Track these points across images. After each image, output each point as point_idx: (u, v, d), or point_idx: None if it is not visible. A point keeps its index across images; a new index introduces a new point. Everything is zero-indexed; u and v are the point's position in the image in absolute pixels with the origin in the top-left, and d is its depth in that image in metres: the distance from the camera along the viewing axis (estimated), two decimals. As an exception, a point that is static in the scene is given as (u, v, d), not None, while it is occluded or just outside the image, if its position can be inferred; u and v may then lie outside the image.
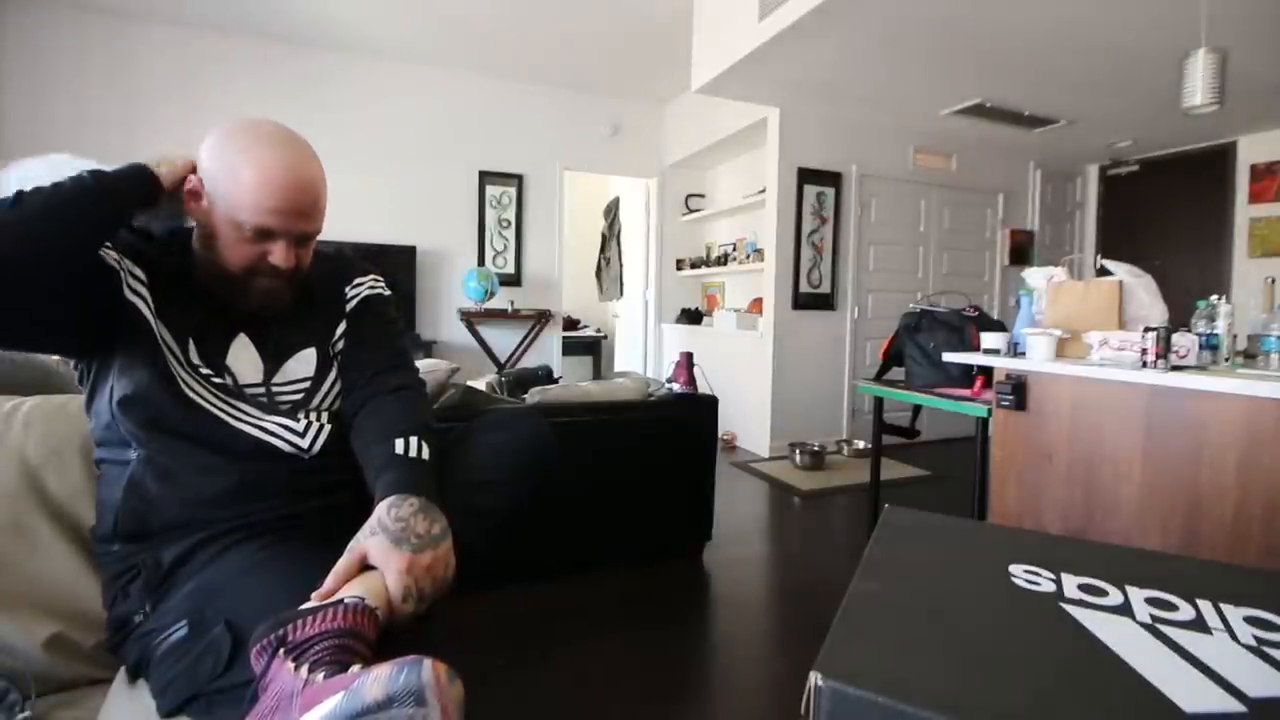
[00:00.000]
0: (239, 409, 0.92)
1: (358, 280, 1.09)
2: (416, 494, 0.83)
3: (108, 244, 0.87)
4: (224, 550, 0.85)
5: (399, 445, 0.89)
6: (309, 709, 0.60)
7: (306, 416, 0.97)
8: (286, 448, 0.93)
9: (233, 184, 0.86)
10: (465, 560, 0.88)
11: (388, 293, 1.13)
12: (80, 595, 0.96)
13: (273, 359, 0.97)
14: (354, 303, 1.07)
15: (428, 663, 0.60)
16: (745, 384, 4.43)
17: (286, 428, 0.94)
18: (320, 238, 1.03)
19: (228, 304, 0.95)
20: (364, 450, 0.94)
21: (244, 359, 0.95)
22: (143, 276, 0.90)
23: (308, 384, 0.99)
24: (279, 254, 0.89)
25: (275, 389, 0.96)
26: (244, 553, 0.84)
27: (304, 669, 0.65)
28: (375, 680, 0.59)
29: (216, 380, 0.92)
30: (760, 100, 4.08)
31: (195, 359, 0.91)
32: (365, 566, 0.79)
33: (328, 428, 0.98)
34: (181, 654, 0.77)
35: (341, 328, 1.05)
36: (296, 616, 0.69)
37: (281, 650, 0.68)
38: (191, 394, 0.89)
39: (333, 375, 1.01)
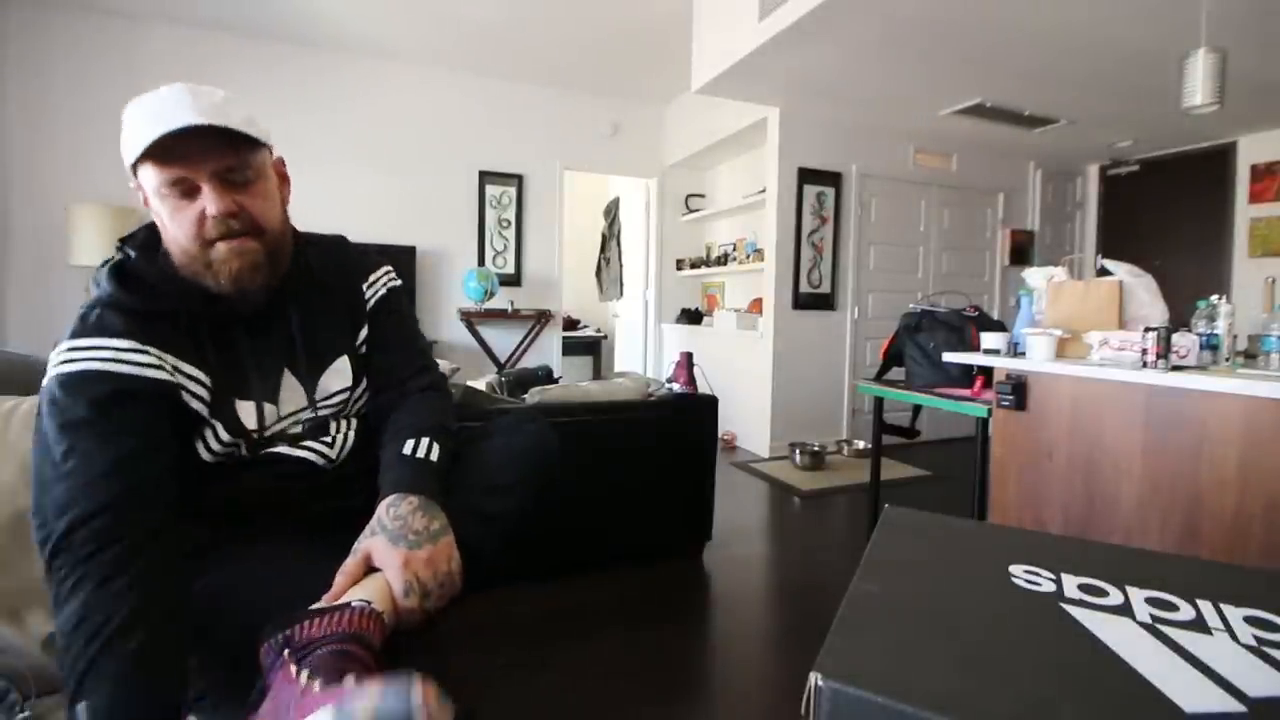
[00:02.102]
0: (276, 450, 0.91)
1: (372, 277, 1.06)
2: (415, 492, 0.83)
3: (159, 348, 0.83)
4: (234, 549, 0.86)
5: (407, 445, 0.89)
6: (302, 719, 0.61)
7: (338, 429, 0.97)
8: (319, 460, 0.94)
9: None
10: (473, 564, 0.88)
11: (398, 282, 1.11)
12: (80, 595, 0.96)
13: (310, 379, 0.95)
14: (373, 302, 1.05)
15: (417, 685, 0.59)
16: (745, 384, 4.43)
17: (322, 442, 0.95)
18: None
19: (268, 338, 0.92)
20: (381, 453, 0.94)
21: (289, 393, 0.93)
22: (196, 374, 0.85)
23: (345, 394, 0.98)
24: (209, 201, 0.81)
25: (318, 408, 0.95)
26: (255, 551, 0.85)
27: (304, 674, 0.66)
28: (363, 697, 0.59)
29: (267, 435, 0.90)
30: (760, 100, 4.08)
31: (251, 423, 0.88)
32: (372, 568, 0.79)
33: (353, 433, 0.98)
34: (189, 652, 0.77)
35: (364, 332, 1.02)
36: (303, 617, 0.70)
37: (286, 651, 0.69)
38: (231, 462, 0.89)
39: (363, 383, 1.01)
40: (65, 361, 0.78)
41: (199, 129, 0.77)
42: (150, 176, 0.80)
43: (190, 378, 0.85)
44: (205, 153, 0.80)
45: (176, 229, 0.83)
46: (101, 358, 0.78)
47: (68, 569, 0.70)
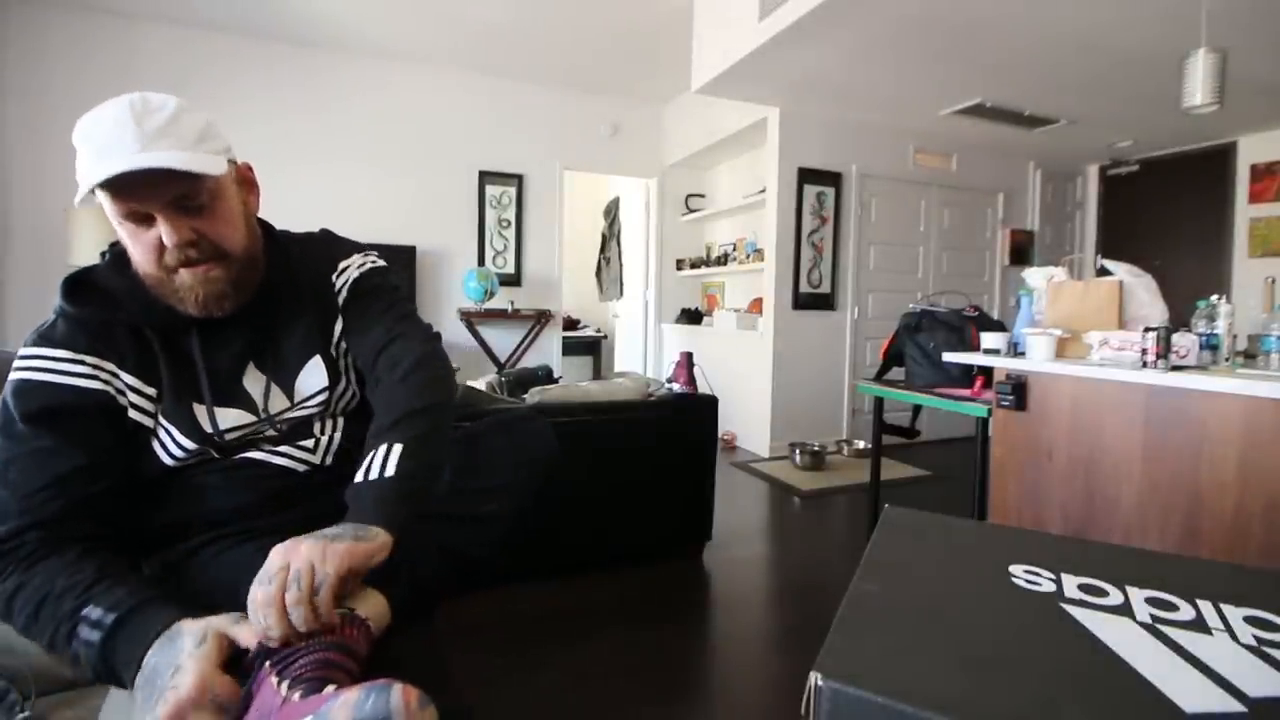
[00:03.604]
0: (250, 455, 0.90)
1: (342, 265, 1.01)
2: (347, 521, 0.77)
3: (97, 357, 0.83)
4: (228, 548, 0.86)
5: (363, 468, 0.82)
6: None
7: (322, 431, 0.95)
8: (301, 468, 0.93)
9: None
10: (468, 569, 0.88)
11: (376, 264, 1.04)
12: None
13: (285, 380, 0.93)
14: (344, 293, 0.99)
15: (397, 688, 0.58)
16: (745, 384, 4.43)
17: (301, 447, 0.93)
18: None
19: (227, 344, 0.90)
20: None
21: (257, 393, 0.92)
22: (137, 385, 0.85)
23: (325, 394, 0.95)
24: (166, 233, 0.78)
25: (296, 410, 0.93)
26: (248, 550, 0.85)
27: (285, 685, 0.64)
28: (343, 705, 0.57)
29: (231, 438, 0.89)
30: (760, 100, 4.08)
31: (208, 427, 0.87)
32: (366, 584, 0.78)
33: (339, 434, 0.96)
34: None
35: (339, 327, 0.98)
36: None
37: (268, 662, 0.67)
38: (199, 468, 0.88)
39: (343, 381, 0.98)
40: (16, 368, 0.81)
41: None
42: (105, 204, 0.78)
43: (131, 388, 0.84)
44: (154, 185, 0.76)
45: (138, 255, 0.82)
46: (39, 367, 0.81)
47: (9, 570, 0.74)
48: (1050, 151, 4.98)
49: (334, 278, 1.00)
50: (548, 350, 5.12)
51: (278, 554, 0.69)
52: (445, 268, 4.78)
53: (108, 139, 0.75)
